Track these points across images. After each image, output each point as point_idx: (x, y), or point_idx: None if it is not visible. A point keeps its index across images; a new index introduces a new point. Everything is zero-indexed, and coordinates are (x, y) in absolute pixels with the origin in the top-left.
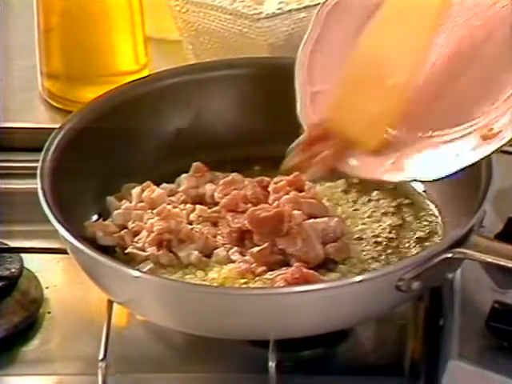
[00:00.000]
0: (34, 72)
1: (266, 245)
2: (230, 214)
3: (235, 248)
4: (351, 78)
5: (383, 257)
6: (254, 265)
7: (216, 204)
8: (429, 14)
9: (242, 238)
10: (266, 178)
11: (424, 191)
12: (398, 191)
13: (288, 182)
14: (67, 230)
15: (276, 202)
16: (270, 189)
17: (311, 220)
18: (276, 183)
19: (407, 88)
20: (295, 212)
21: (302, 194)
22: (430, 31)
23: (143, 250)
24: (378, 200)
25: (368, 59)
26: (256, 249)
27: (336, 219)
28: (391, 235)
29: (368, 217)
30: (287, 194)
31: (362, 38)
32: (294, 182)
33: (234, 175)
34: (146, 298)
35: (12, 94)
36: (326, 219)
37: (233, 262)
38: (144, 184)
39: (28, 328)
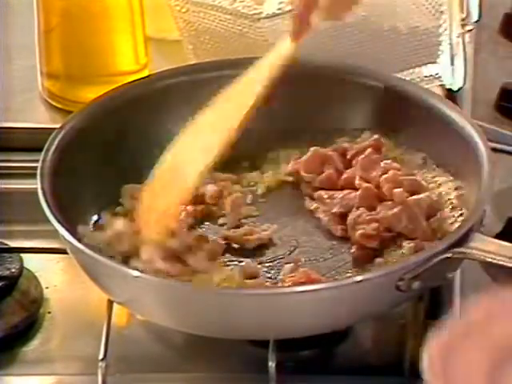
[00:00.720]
0: (34, 72)
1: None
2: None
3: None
4: (158, 177)
5: None
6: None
7: (215, 204)
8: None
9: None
10: (343, 145)
11: None
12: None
13: (367, 146)
14: (67, 229)
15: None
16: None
17: (415, 196)
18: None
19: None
20: (396, 190)
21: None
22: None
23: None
24: None
25: (173, 163)
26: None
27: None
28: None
29: None
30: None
31: (174, 143)
32: (374, 146)
33: (314, 149)
34: (146, 297)
35: (12, 94)
36: (427, 194)
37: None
38: None
39: (28, 328)
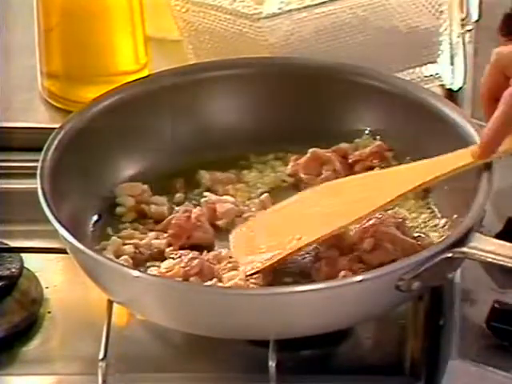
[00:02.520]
0: (34, 72)
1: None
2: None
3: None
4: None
5: None
6: None
7: None
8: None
9: None
10: (343, 146)
11: (424, 191)
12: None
13: (371, 153)
14: (67, 229)
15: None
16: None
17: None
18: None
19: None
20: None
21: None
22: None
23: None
24: None
25: (293, 212)
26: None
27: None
28: None
29: None
30: (370, 166)
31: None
32: (377, 153)
33: (313, 151)
34: (146, 297)
35: (12, 93)
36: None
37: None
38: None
39: (28, 328)
